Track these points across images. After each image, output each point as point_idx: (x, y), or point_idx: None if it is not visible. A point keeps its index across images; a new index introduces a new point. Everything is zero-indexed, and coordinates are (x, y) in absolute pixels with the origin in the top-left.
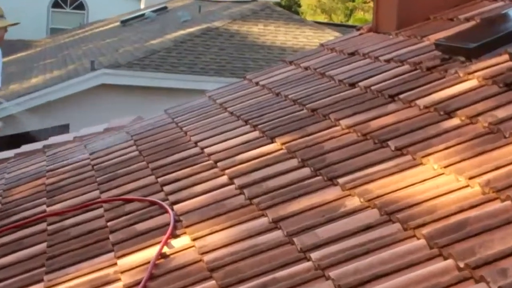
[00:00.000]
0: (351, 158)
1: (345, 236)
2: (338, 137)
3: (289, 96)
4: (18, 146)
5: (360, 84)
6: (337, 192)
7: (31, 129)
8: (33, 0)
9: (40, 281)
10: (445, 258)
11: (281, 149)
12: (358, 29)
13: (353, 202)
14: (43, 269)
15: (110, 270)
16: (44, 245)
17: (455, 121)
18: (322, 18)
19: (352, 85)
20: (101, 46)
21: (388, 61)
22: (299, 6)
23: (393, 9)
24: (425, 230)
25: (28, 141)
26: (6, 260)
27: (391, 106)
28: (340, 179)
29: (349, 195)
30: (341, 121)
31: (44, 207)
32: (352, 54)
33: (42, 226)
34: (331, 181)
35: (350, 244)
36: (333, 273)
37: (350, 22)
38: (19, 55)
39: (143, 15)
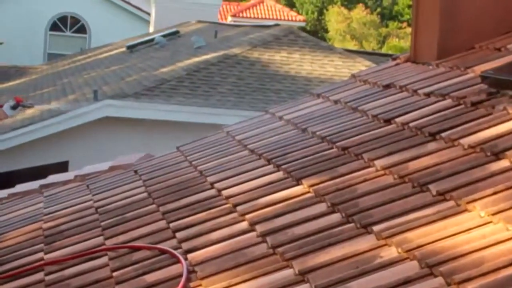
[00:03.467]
0: (387, 203)
1: None
2: (372, 179)
3: (317, 133)
4: (12, 186)
5: (397, 120)
6: (371, 241)
7: (26, 166)
8: (29, 21)
9: None
10: None
11: (308, 192)
12: (394, 59)
13: (390, 252)
14: None
15: None
16: None
17: (503, 163)
18: (352, 45)
19: (388, 121)
20: (105, 74)
21: (428, 94)
22: (326, 31)
23: (434, 37)
24: (471, 286)
25: (23, 179)
26: None
27: (432, 145)
28: (375, 227)
29: (386, 244)
30: (375, 162)
31: (41, 254)
32: (388, 86)
33: (39, 275)
34: (365, 228)
35: None
36: None
37: (383, 50)
38: (12, 83)
39: (152, 40)
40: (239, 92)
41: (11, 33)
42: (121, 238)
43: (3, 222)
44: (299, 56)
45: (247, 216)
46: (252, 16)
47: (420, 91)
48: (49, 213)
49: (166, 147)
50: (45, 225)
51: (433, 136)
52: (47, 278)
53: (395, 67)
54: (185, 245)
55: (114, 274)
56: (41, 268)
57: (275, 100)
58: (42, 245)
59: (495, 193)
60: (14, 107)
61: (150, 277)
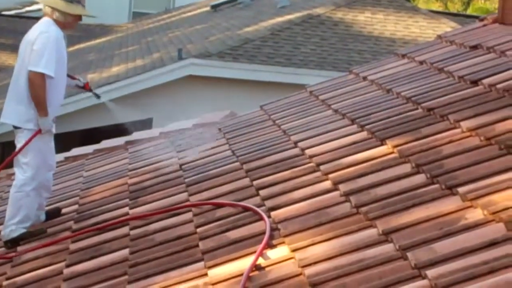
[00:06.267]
0: (472, 164)
1: (465, 253)
2: (457, 140)
3: (402, 94)
4: (98, 142)
5: (484, 81)
6: (456, 202)
7: (111, 122)
8: None
9: None
10: None
11: (392, 152)
12: (481, 20)
13: (475, 214)
14: (125, 277)
15: (200, 281)
16: (126, 251)
17: None
18: (437, 6)
19: (475, 82)
20: (189, 33)
21: None
22: None
23: None
24: None
25: (108, 136)
26: (84, 267)
27: None
28: (460, 188)
29: (471, 206)
30: (461, 123)
31: (126, 209)
32: (475, 47)
33: (124, 230)
34: (450, 190)
35: (471, 261)
36: None
37: (468, 12)
38: (98, 41)
39: None
40: (322, 53)
41: None
42: (205, 194)
43: (89, 177)
44: (383, 17)
45: (331, 176)
46: None
47: (508, 53)
48: (134, 169)
49: (248, 107)
50: (130, 181)
51: None
52: (132, 232)
53: (482, 28)
54: (268, 203)
55: (198, 230)
56: (126, 222)
57: (358, 60)
58: (127, 200)
59: None
60: (79, 87)
61: (234, 234)
